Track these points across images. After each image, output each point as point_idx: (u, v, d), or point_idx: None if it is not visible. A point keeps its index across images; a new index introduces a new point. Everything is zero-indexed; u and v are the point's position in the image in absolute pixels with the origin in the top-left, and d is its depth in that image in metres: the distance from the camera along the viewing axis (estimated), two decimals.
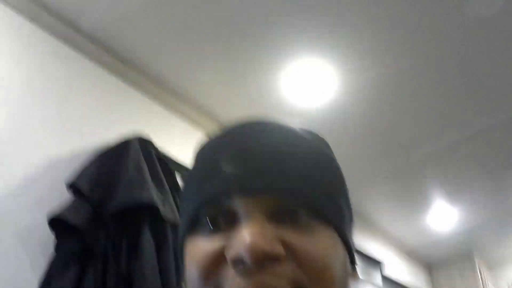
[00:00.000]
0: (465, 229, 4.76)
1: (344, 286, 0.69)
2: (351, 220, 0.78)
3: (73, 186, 1.83)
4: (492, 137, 3.37)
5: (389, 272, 4.45)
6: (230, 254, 0.62)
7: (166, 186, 1.99)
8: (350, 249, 0.74)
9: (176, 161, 2.31)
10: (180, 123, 2.72)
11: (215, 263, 0.64)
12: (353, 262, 0.76)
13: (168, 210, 1.90)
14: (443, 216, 4.48)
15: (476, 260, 5.32)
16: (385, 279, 4.28)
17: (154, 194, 1.86)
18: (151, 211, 1.85)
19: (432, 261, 5.53)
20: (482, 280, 5.22)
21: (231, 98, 2.83)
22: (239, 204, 0.64)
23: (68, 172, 1.96)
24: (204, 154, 0.73)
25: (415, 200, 4.17)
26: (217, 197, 0.66)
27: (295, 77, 2.68)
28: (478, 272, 5.24)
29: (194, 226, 0.69)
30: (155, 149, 2.13)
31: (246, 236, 0.60)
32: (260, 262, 0.59)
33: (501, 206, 4.45)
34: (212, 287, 0.64)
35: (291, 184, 0.66)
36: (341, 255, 0.70)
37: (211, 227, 0.67)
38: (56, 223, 1.74)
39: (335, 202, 0.71)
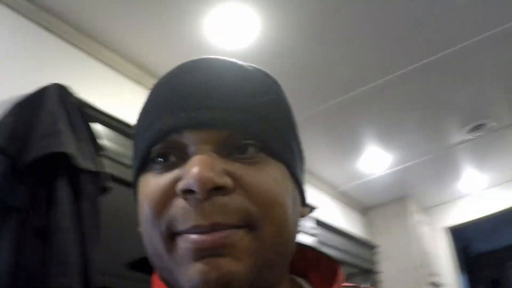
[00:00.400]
0: (399, 172, 4.85)
1: (294, 223, 0.71)
2: (301, 161, 0.79)
3: None
4: (425, 79, 3.40)
5: (323, 216, 4.46)
6: (180, 185, 0.63)
7: (83, 135, 1.93)
8: (301, 189, 0.76)
9: (98, 109, 2.25)
10: (102, 70, 2.63)
11: (166, 198, 0.65)
12: (303, 204, 0.78)
13: (85, 159, 1.85)
14: (376, 159, 4.53)
15: (411, 203, 5.47)
16: (320, 223, 4.31)
17: (68, 143, 1.81)
18: (67, 161, 1.79)
19: (367, 205, 5.64)
20: (416, 222, 5.37)
21: (155, 43, 2.76)
22: (188, 139, 0.66)
23: None
24: (154, 93, 0.73)
25: (348, 143, 4.19)
26: (167, 133, 0.67)
27: (219, 21, 2.63)
28: (412, 215, 5.38)
29: (145, 165, 0.70)
30: (74, 97, 2.06)
31: (195, 167, 0.62)
32: (208, 191, 0.61)
33: (434, 149, 4.54)
34: (164, 222, 0.65)
35: (240, 118, 0.67)
36: (291, 191, 0.71)
37: (162, 164, 0.68)
38: None
39: (285, 139, 0.72)
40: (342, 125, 3.87)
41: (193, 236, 0.63)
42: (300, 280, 0.82)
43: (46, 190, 1.76)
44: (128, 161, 2.21)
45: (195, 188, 0.61)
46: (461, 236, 7.01)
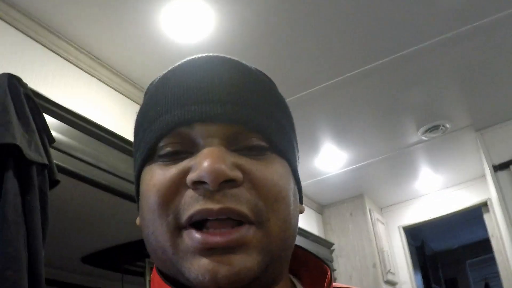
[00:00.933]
0: (355, 171, 4.91)
1: (295, 219, 0.73)
2: (298, 159, 0.82)
3: None
4: (382, 78, 3.44)
5: None
6: (191, 177, 0.64)
7: (33, 126, 1.89)
8: (299, 186, 0.79)
9: (50, 100, 2.21)
10: (56, 61, 2.58)
11: (175, 188, 0.66)
12: (301, 201, 0.81)
13: (34, 150, 1.82)
14: (332, 158, 4.57)
15: (367, 201, 5.53)
16: None
17: (17, 134, 1.77)
18: (16, 153, 1.76)
19: (323, 203, 5.69)
20: (372, 221, 5.43)
21: (111, 36, 2.73)
22: (198, 132, 0.67)
23: None
24: (161, 87, 0.74)
25: (304, 141, 4.19)
26: (177, 126, 0.68)
27: (175, 15, 2.63)
28: (368, 213, 5.43)
29: (151, 157, 0.71)
30: (25, 87, 2.01)
31: (207, 159, 0.63)
32: (220, 184, 0.62)
33: (390, 149, 4.60)
34: (171, 212, 0.65)
35: (249, 113, 0.69)
36: (293, 187, 0.73)
37: (170, 156, 0.69)
38: None
39: (288, 137, 0.76)
40: (298, 123, 3.86)
41: (199, 236, 0.63)
42: (292, 278, 0.83)
43: None
44: (79, 154, 2.20)
45: (207, 179, 0.62)
46: (417, 235, 7.13)
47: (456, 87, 3.78)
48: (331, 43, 3.04)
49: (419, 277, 6.71)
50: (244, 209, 0.64)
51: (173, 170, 0.67)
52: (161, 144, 0.70)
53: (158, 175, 0.68)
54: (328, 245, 5.30)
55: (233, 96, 0.70)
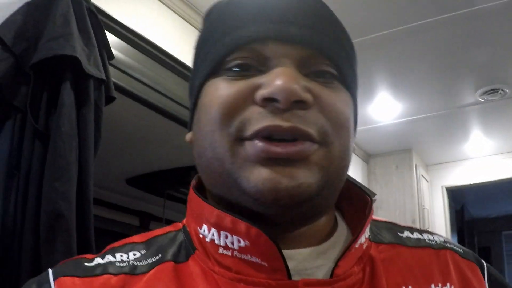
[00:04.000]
0: (406, 124, 4.80)
1: (351, 150, 0.74)
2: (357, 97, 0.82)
3: None
4: (444, 33, 3.32)
5: None
6: (261, 93, 0.64)
7: (94, 41, 1.88)
8: (356, 124, 0.79)
9: (112, 17, 2.19)
10: None
11: (241, 102, 0.66)
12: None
13: (93, 65, 1.81)
14: (385, 107, 4.47)
15: (414, 157, 5.43)
16: None
17: (78, 47, 1.76)
18: (74, 65, 1.75)
19: (370, 152, 5.61)
20: (416, 177, 5.36)
21: None
22: (272, 50, 0.67)
23: None
24: (231, 5, 0.74)
25: (359, 87, 4.05)
26: (251, 41, 0.68)
27: None
28: (414, 169, 5.36)
29: (217, 71, 0.71)
30: (88, 2, 2.00)
31: (281, 77, 0.63)
32: (291, 102, 0.63)
33: (445, 106, 4.48)
34: (235, 124, 0.65)
35: (324, 40, 0.69)
36: (353, 120, 0.75)
37: (238, 72, 0.69)
38: None
39: (353, 71, 0.77)
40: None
41: (263, 144, 0.63)
42: (335, 213, 0.83)
43: (49, 93, 1.72)
44: (136, 74, 2.19)
45: (279, 97, 0.63)
46: (458, 199, 7.04)
47: None
48: None
49: (455, 240, 6.66)
50: (311, 130, 0.65)
51: (241, 84, 0.67)
52: (229, 58, 0.69)
53: (224, 88, 0.68)
54: (370, 194, 5.24)
55: (309, 20, 0.69)
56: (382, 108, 4.48)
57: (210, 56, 0.72)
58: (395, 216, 5.18)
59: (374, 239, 0.81)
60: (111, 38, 2.09)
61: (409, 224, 0.93)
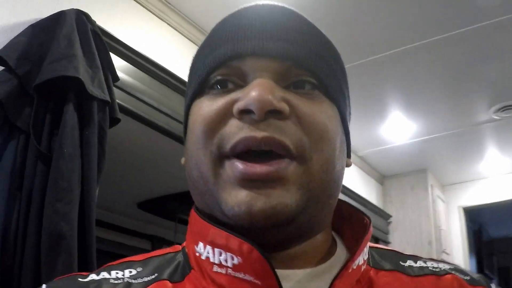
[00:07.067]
0: (421, 144, 4.75)
1: (340, 167, 0.73)
2: (349, 110, 0.83)
3: None
4: (457, 50, 3.28)
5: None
6: (237, 105, 0.65)
7: (98, 63, 1.88)
8: (348, 138, 0.79)
9: (117, 38, 2.19)
10: (126, 1, 2.55)
11: (221, 117, 0.67)
12: (348, 155, 0.80)
13: (97, 86, 1.81)
14: (399, 127, 4.41)
15: (429, 177, 5.37)
16: None
17: (81, 69, 1.76)
18: (78, 86, 1.75)
19: (384, 173, 5.54)
20: (432, 197, 5.29)
21: None
22: (250, 66, 0.68)
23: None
24: (217, 29, 0.77)
25: (371, 107, 4.06)
26: (230, 59, 0.69)
27: None
28: (429, 189, 5.29)
29: (202, 90, 0.73)
30: (92, 24, 2.01)
31: (255, 88, 0.64)
32: (265, 113, 0.64)
33: (459, 125, 4.44)
34: (215, 141, 0.66)
35: (301, 52, 0.70)
36: (340, 134, 0.74)
37: (220, 89, 0.70)
38: None
39: (338, 81, 0.76)
40: (367, 87, 3.74)
41: (241, 166, 0.63)
42: (334, 235, 0.81)
43: (52, 114, 1.72)
44: (142, 96, 2.18)
45: (253, 108, 0.63)
46: (476, 219, 6.94)
47: None
48: (409, 7, 2.90)
49: (473, 261, 6.56)
50: (287, 141, 0.64)
51: (221, 101, 0.68)
52: (212, 77, 0.71)
53: (206, 106, 0.69)
54: (385, 216, 5.20)
55: (287, 35, 0.71)
56: (395, 129, 4.43)
57: (194, 78, 0.75)
58: (411, 238, 5.12)
59: (374, 265, 0.79)
60: (116, 60, 2.09)
61: (415, 253, 0.90)
